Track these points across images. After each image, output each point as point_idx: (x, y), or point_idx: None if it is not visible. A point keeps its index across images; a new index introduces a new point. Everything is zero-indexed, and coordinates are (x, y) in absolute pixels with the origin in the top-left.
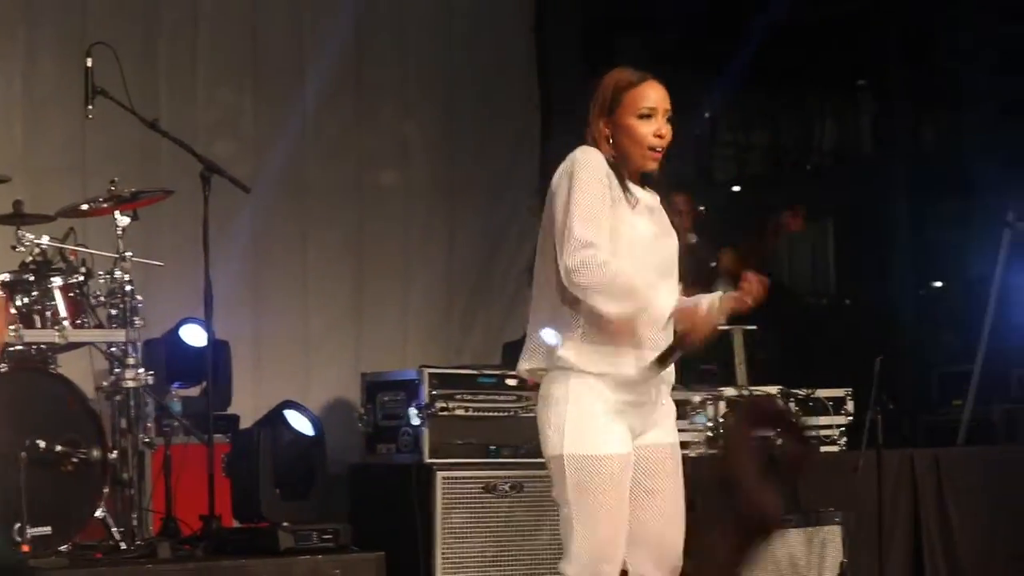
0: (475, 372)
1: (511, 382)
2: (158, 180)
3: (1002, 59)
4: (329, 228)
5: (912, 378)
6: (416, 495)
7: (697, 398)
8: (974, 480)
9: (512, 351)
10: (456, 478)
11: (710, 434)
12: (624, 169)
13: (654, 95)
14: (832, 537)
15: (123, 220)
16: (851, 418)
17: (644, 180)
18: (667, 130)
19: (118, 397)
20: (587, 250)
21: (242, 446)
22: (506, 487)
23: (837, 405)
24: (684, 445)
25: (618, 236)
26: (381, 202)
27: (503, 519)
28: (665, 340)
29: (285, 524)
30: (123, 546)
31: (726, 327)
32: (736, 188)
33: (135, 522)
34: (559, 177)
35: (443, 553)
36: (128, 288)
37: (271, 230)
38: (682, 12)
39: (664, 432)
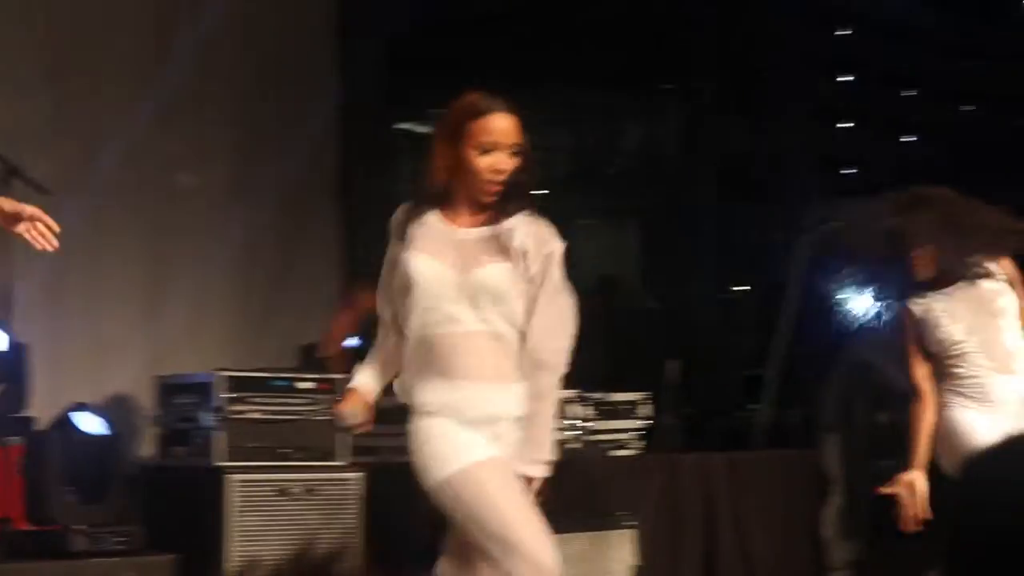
0: (269, 375)
1: (304, 385)
2: None
3: (809, 63)
4: (127, 230)
5: (711, 381)
6: (209, 497)
7: None
8: (768, 483)
9: (307, 355)
10: (249, 481)
11: None
12: (455, 200)
13: (498, 128)
14: (624, 541)
15: None
16: (649, 421)
17: (500, 202)
18: (507, 164)
19: None
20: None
21: (33, 448)
22: (299, 490)
23: (632, 409)
24: None
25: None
26: (179, 204)
27: (296, 522)
28: (476, 366)
29: (78, 527)
30: None
31: None
32: (542, 192)
33: None
34: None
35: (235, 556)
36: None
37: (69, 232)
38: (487, 15)
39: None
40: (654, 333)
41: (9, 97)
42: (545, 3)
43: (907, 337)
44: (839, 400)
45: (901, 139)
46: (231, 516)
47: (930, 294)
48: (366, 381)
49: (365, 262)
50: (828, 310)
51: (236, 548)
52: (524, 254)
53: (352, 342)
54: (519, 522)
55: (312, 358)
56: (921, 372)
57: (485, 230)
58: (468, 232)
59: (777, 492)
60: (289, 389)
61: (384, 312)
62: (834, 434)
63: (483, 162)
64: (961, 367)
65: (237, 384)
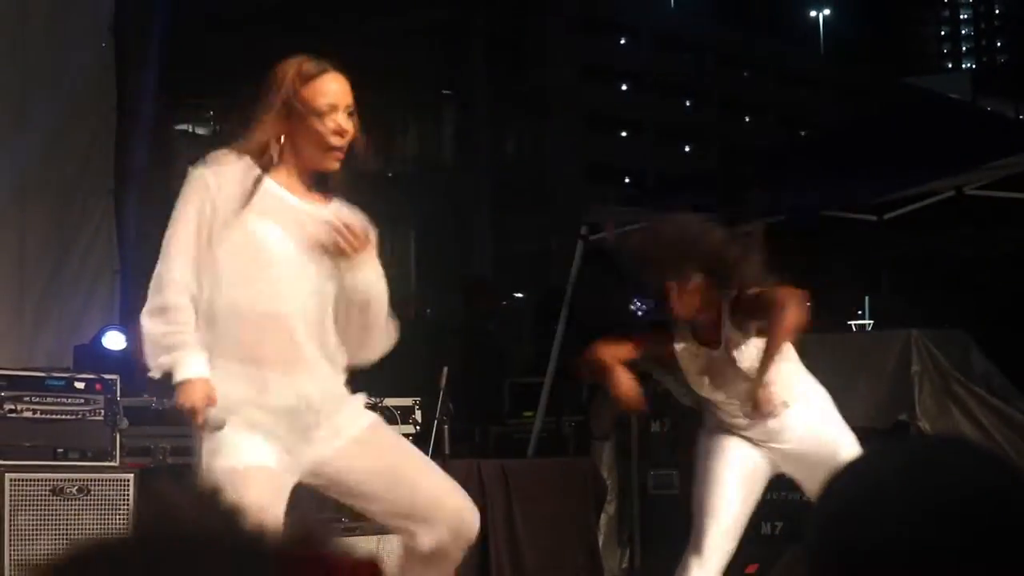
0: (44, 375)
1: (80, 385)
2: None
3: (585, 72)
4: None
5: (485, 388)
6: None
7: None
8: (541, 491)
9: (82, 354)
10: (24, 480)
11: None
12: (291, 172)
13: (334, 89)
14: (398, 546)
15: None
16: (418, 427)
17: (320, 182)
18: (349, 126)
19: None
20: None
21: None
22: (73, 490)
23: (405, 414)
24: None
25: (241, 245)
26: None
27: (70, 521)
28: (313, 350)
29: None
30: None
31: None
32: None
33: None
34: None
35: (11, 555)
36: None
37: None
38: (264, 14)
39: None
40: (429, 340)
41: None
42: (324, 3)
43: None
44: (613, 408)
45: (678, 148)
46: (5, 515)
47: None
48: (201, 367)
49: (141, 262)
50: (604, 317)
51: (10, 547)
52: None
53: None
54: None
55: (86, 356)
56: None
57: (323, 209)
58: (309, 207)
59: (551, 499)
60: (65, 388)
61: (189, 281)
62: (608, 442)
63: (324, 126)
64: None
65: (12, 383)
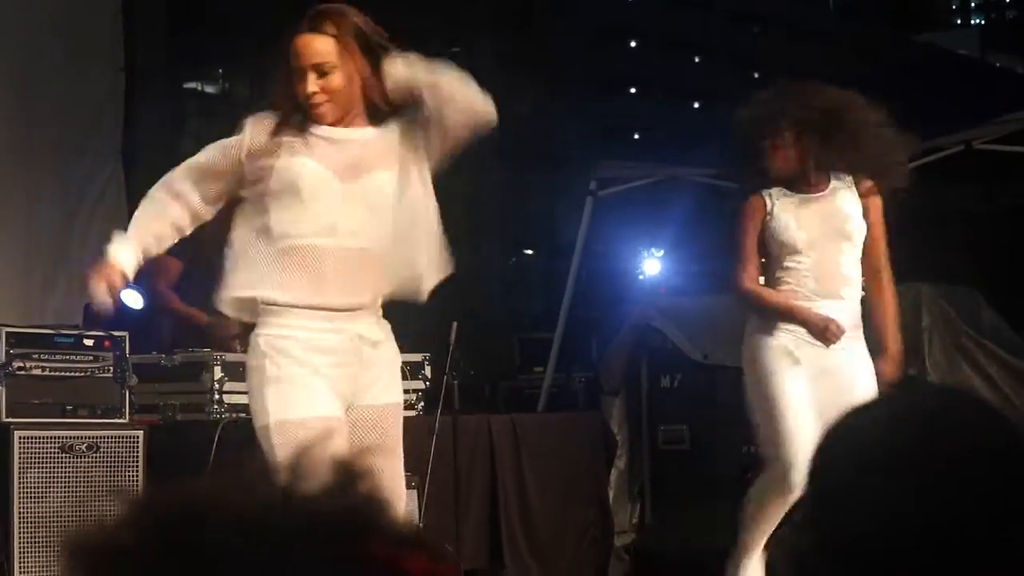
0: (52, 332)
1: (89, 342)
2: None
3: (596, 32)
4: None
5: (495, 344)
6: None
7: None
8: (551, 446)
9: (93, 312)
10: (33, 438)
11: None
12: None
13: (298, 50)
14: (407, 502)
15: None
16: (428, 383)
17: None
18: (315, 85)
19: None
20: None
21: None
22: (83, 447)
23: (415, 370)
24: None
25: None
26: None
27: (80, 479)
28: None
29: None
30: None
31: None
32: None
33: None
34: None
35: (20, 513)
36: None
37: None
38: None
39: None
40: (439, 295)
41: None
42: None
43: (744, 229)
44: (623, 363)
45: (686, 105)
46: (15, 473)
47: (782, 190)
48: (126, 256)
49: None
50: (613, 274)
51: (19, 505)
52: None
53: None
54: None
55: (97, 315)
56: (747, 275)
57: (363, 133)
58: (352, 135)
59: (561, 454)
60: (74, 346)
61: (179, 179)
62: (617, 397)
63: (298, 87)
64: (788, 283)
65: (21, 340)
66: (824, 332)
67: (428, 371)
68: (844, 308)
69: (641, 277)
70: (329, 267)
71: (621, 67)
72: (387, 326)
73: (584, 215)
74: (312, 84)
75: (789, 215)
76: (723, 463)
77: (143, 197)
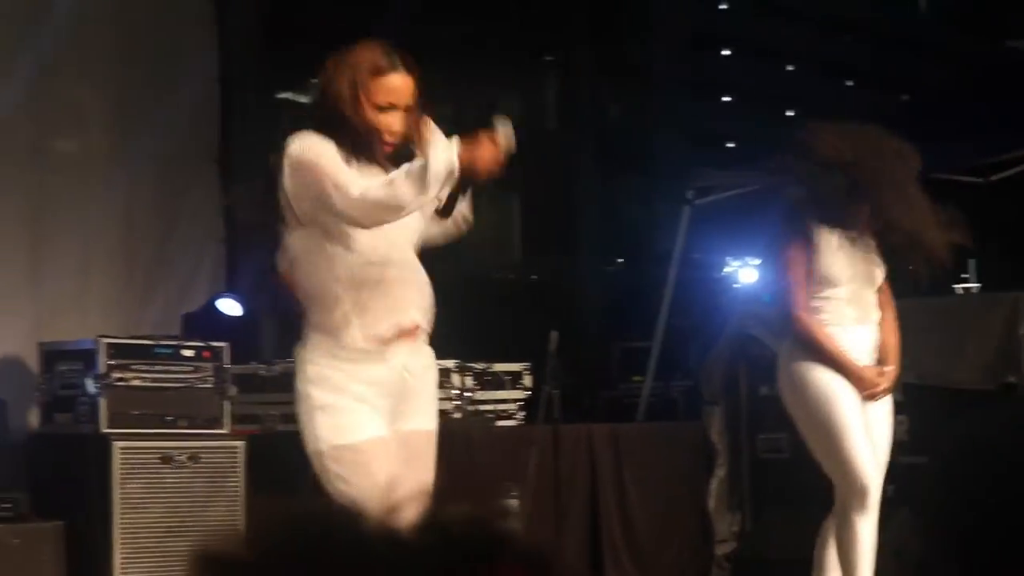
0: (152, 343)
1: (188, 353)
2: None
3: (688, 39)
4: (7, 195)
5: (594, 353)
6: (93, 465)
7: None
8: (651, 455)
9: (192, 322)
10: (133, 448)
11: None
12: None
13: (397, 87)
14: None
15: None
16: (529, 392)
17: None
18: (400, 125)
19: None
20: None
21: None
22: (183, 458)
23: (515, 379)
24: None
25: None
26: (58, 170)
27: (180, 489)
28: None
29: None
30: None
31: None
32: None
33: None
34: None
35: (120, 523)
36: None
37: None
38: None
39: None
40: (536, 304)
41: None
42: None
43: (799, 258)
44: (723, 372)
45: (779, 113)
46: (115, 483)
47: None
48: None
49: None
50: (711, 282)
51: (120, 515)
52: None
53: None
54: None
55: (195, 324)
56: (802, 301)
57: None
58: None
59: (661, 464)
60: (173, 356)
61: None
62: (717, 406)
63: (379, 120)
64: (826, 313)
65: (121, 351)
66: (872, 393)
67: (528, 381)
68: (872, 332)
69: (736, 286)
70: (380, 295)
71: (714, 75)
72: (430, 352)
73: (681, 223)
74: (399, 123)
75: (836, 252)
76: (823, 471)
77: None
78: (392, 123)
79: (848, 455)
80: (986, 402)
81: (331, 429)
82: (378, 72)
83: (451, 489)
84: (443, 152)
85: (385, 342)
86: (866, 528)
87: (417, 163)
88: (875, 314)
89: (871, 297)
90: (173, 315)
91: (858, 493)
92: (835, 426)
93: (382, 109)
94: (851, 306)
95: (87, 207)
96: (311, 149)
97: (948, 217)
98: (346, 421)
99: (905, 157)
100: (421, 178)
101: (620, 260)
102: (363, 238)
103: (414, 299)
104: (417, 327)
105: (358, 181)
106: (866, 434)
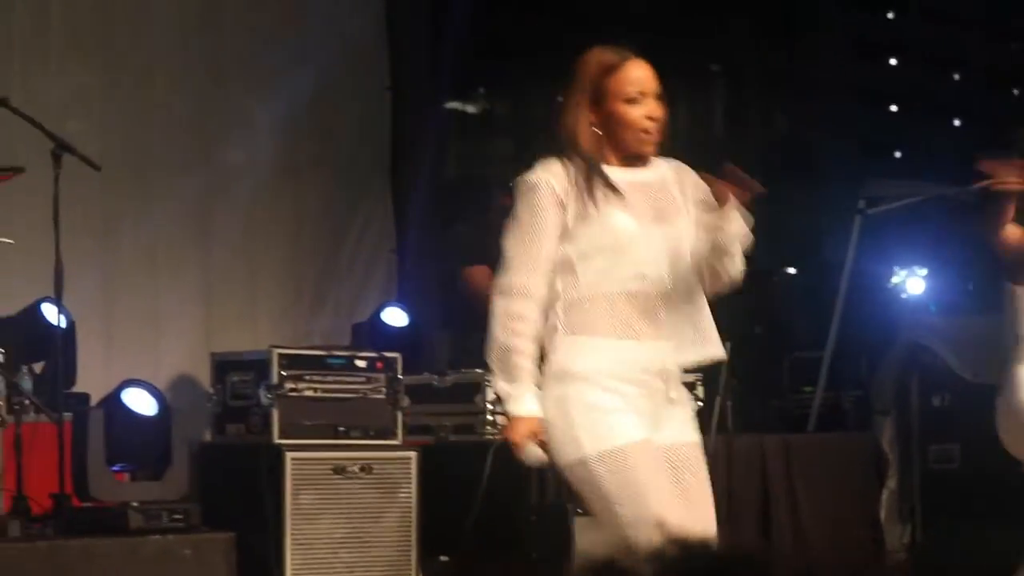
0: (324, 353)
1: (361, 364)
2: (9, 158)
3: (855, 47)
4: (177, 206)
5: (764, 363)
6: (265, 476)
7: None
8: (823, 466)
9: (361, 332)
10: (305, 459)
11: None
12: (610, 156)
13: (639, 76)
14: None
15: None
16: (701, 403)
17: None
18: (659, 111)
19: None
20: (515, 303)
21: (82, 425)
22: (355, 468)
23: (687, 390)
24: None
25: (593, 237)
26: (228, 181)
27: (352, 500)
28: (669, 325)
29: (135, 503)
30: None
31: None
32: None
33: None
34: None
35: (292, 534)
36: None
37: (120, 208)
38: None
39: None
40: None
41: (58, 74)
42: None
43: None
44: (894, 383)
45: (947, 122)
46: (287, 494)
47: None
48: (534, 405)
49: (417, 241)
50: (882, 292)
51: (292, 526)
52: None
53: None
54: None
55: (364, 335)
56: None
57: (648, 174)
58: (639, 177)
59: (832, 475)
60: (346, 367)
61: (536, 287)
62: (888, 417)
63: (635, 113)
64: None
65: (293, 362)
66: None
67: (700, 391)
68: None
69: (904, 296)
70: (637, 310)
71: (881, 83)
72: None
73: (852, 233)
74: (656, 109)
75: None
76: (996, 483)
77: (504, 296)
78: (649, 111)
79: None
80: None
81: (594, 433)
82: (613, 68)
83: None
84: (499, 382)
85: None
86: None
87: (518, 389)
88: None
89: None
90: (343, 325)
91: None
92: None
93: (633, 101)
94: None
95: (256, 217)
96: (527, 202)
97: None
98: (610, 421)
99: None
100: (495, 363)
101: (789, 269)
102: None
103: None
104: None
105: (520, 273)
106: None
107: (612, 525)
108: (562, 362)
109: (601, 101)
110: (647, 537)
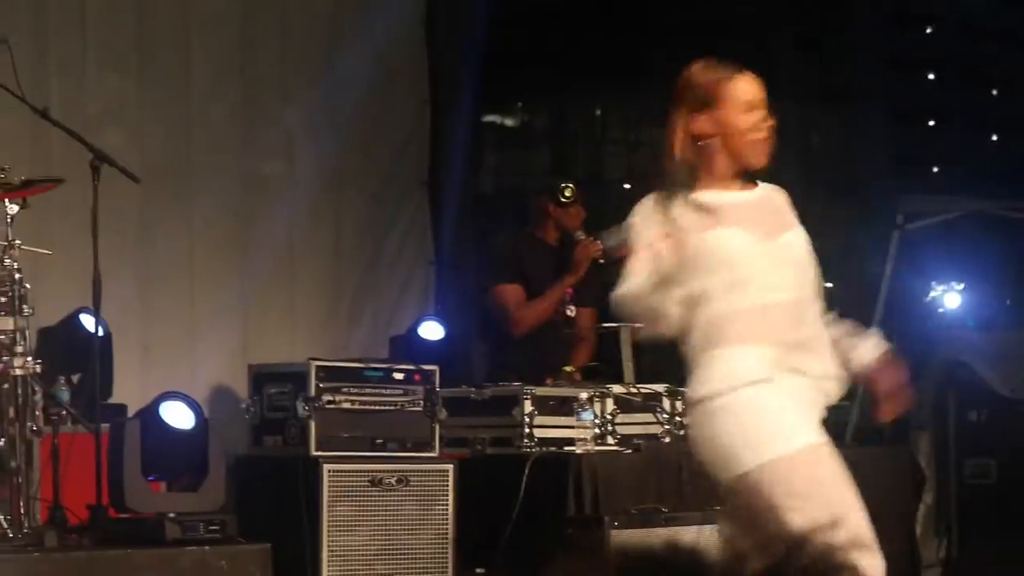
0: (362, 365)
1: (398, 376)
2: (48, 169)
3: (893, 62)
4: (215, 217)
5: None
6: (302, 487)
7: (584, 395)
8: (859, 479)
9: (399, 345)
10: (342, 471)
11: (596, 431)
12: (720, 175)
13: (753, 86)
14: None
15: (12, 208)
16: None
17: (746, 176)
18: (770, 120)
19: (6, 385)
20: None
21: (119, 436)
22: (392, 480)
23: None
24: (569, 442)
25: (712, 262)
26: (267, 192)
27: (389, 512)
28: (807, 334)
29: (171, 514)
30: (10, 534)
31: (614, 325)
32: (627, 185)
33: (22, 511)
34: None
35: (329, 546)
36: (17, 276)
37: (158, 219)
38: (570, 9)
39: None
40: None
41: (98, 86)
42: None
43: None
44: (931, 397)
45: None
46: (324, 506)
47: None
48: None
49: (456, 254)
50: (920, 307)
51: (328, 538)
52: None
53: None
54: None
55: (401, 347)
56: None
57: (757, 194)
58: (748, 197)
59: (869, 488)
60: (384, 379)
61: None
62: (925, 432)
63: (750, 120)
64: None
65: (331, 374)
66: None
67: None
68: None
69: (941, 311)
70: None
71: (919, 99)
72: None
73: (890, 248)
74: (770, 120)
75: None
76: None
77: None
78: (764, 118)
79: None
80: None
81: (763, 441)
82: (727, 78)
83: None
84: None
85: None
86: None
87: None
88: None
89: None
90: (380, 338)
91: None
92: None
93: (748, 110)
94: None
95: (295, 229)
96: (636, 228)
97: None
98: (781, 422)
99: None
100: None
101: (825, 285)
102: None
103: None
104: None
105: (631, 283)
106: None
107: (781, 529)
108: (721, 373)
109: (714, 111)
110: (826, 537)
